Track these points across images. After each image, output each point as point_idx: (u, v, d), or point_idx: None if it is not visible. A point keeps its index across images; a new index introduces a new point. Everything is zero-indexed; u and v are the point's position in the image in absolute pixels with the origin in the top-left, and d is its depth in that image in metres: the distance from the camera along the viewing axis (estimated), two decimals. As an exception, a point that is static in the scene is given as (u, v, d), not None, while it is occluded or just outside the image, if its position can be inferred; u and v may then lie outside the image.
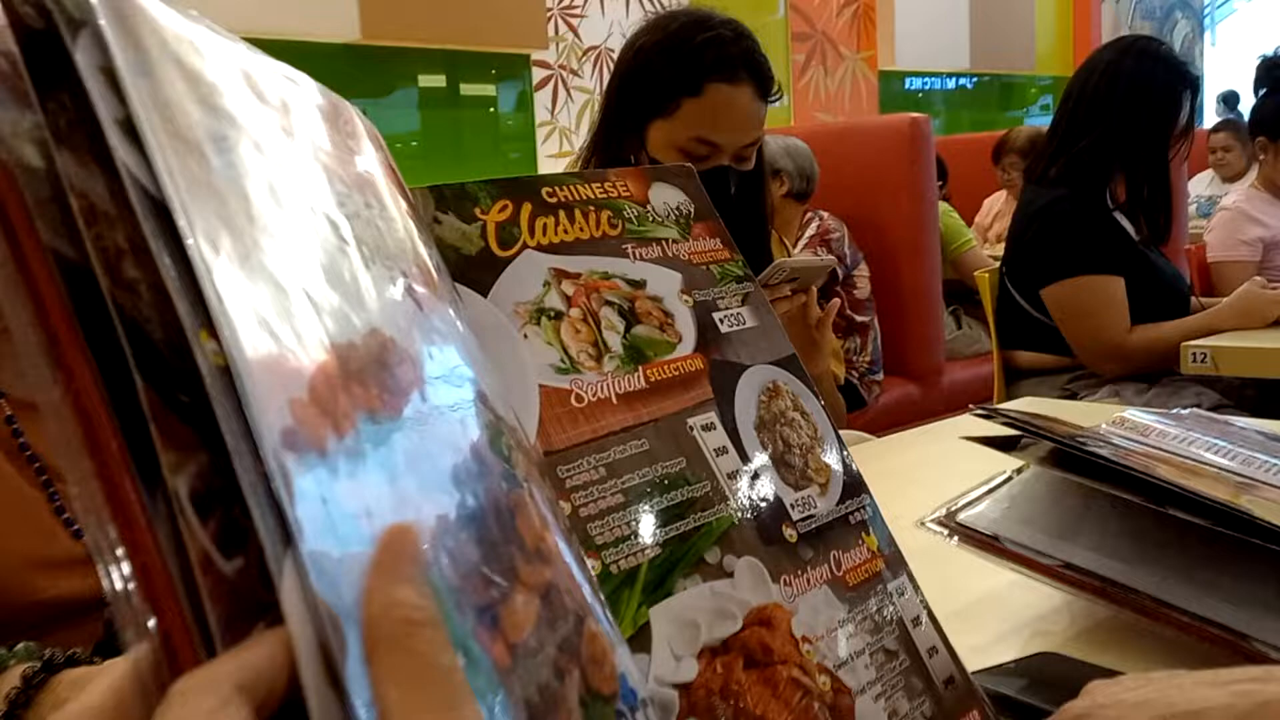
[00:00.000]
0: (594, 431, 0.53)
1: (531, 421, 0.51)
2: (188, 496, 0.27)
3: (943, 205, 3.94)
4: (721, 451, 0.57)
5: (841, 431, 1.49)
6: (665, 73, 1.44)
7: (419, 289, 0.41)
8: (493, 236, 0.56)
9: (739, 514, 0.55)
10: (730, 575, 0.53)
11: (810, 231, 3.11)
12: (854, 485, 0.63)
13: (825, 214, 3.15)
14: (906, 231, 3.45)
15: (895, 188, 3.46)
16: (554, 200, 0.60)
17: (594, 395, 0.54)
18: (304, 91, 0.40)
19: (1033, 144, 4.67)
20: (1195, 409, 1.08)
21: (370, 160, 0.44)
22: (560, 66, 4.48)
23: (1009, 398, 2.25)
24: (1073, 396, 2.13)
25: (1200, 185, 5.52)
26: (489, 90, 4.34)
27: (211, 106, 0.33)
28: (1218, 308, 2.07)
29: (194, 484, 0.27)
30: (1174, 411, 1.07)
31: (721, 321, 0.63)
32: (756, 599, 0.53)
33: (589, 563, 0.48)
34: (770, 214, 1.60)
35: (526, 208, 0.59)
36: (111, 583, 0.27)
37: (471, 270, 0.54)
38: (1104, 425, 0.96)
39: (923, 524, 0.80)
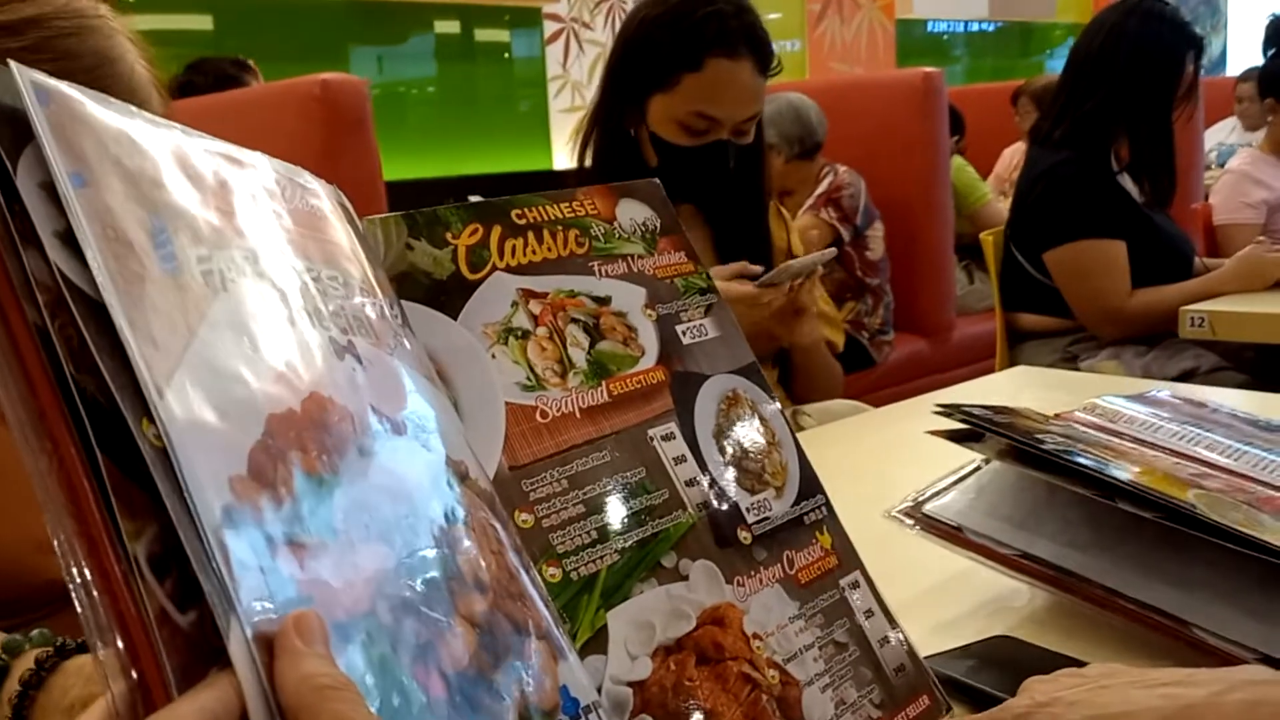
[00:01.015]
0: (557, 445, 0.57)
1: (497, 439, 0.55)
2: (146, 560, 0.31)
3: (957, 160, 3.93)
4: (680, 460, 0.61)
5: (839, 401, 1.53)
6: (666, 47, 1.46)
7: (365, 343, 0.45)
8: (463, 260, 0.60)
9: (696, 519, 0.59)
10: (686, 578, 0.57)
11: (820, 189, 3.10)
12: (809, 486, 0.67)
13: (841, 168, 3.12)
14: (918, 187, 3.45)
15: (907, 143, 3.46)
16: (523, 222, 0.64)
17: (558, 410, 0.58)
18: (247, 169, 0.44)
19: (1047, 89, 4.63)
20: (1167, 393, 1.11)
21: (322, 222, 0.48)
22: (572, 19, 4.47)
23: (1011, 360, 2.28)
24: (1073, 359, 2.15)
25: (1222, 133, 5.46)
26: (503, 36, 4.34)
27: (150, 202, 0.37)
28: (1219, 271, 2.09)
29: (152, 547, 0.31)
30: (1150, 394, 1.10)
31: (684, 334, 0.67)
32: (710, 599, 0.57)
33: (550, 570, 0.53)
34: (769, 186, 1.62)
35: (496, 230, 0.62)
36: (91, 628, 0.31)
37: (443, 294, 0.58)
38: (1078, 411, 0.99)
39: (890, 515, 0.83)
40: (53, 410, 0.31)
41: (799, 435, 0.69)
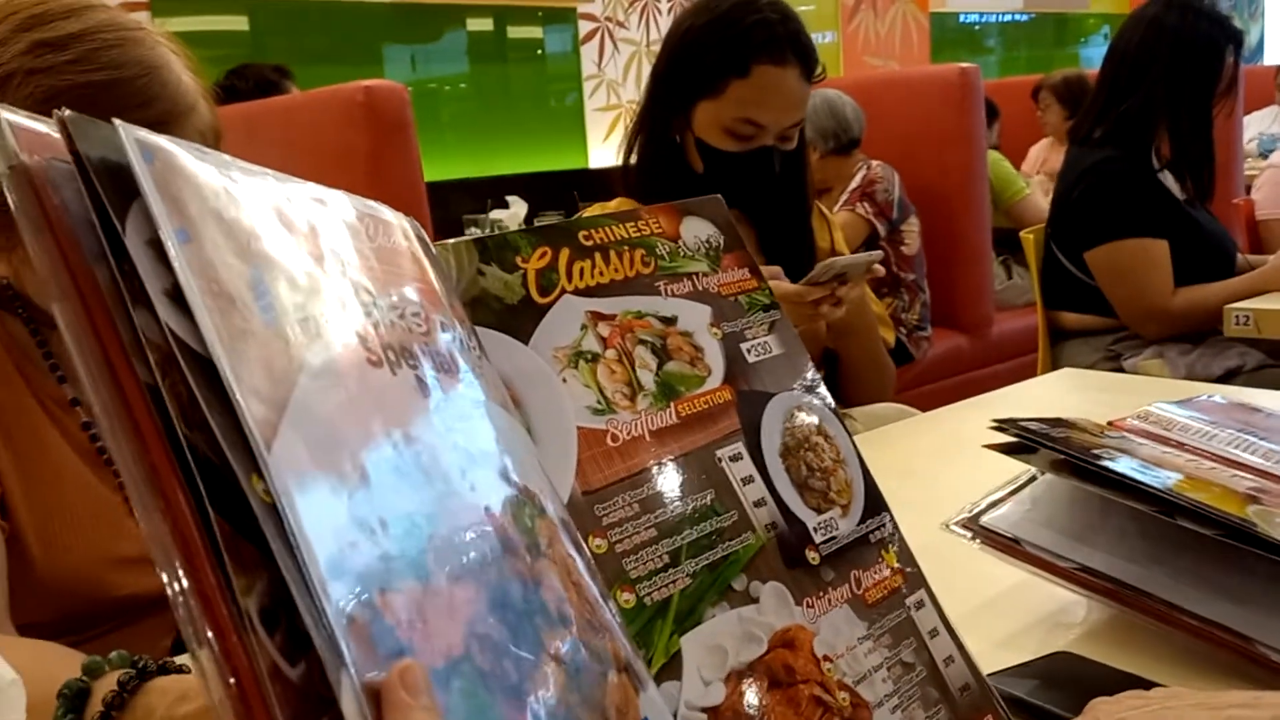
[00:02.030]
0: (628, 469, 0.58)
1: (570, 464, 0.56)
2: (257, 614, 0.32)
3: (993, 155, 3.90)
4: (748, 480, 0.62)
5: (886, 405, 1.53)
6: (713, 54, 1.46)
7: (447, 378, 0.46)
8: (533, 284, 0.61)
9: (764, 540, 0.60)
10: (756, 601, 0.57)
11: (853, 184, 3.09)
12: (874, 503, 0.67)
13: (874, 163, 3.11)
14: (956, 183, 3.44)
15: (944, 139, 3.44)
16: (590, 243, 0.64)
17: (628, 434, 0.59)
18: (332, 210, 0.45)
19: (1067, 82, 4.60)
20: (1218, 398, 1.10)
21: (402, 257, 0.49)
22: (606, 18, 4.47)
23: (1053, 358, 2.26)
24: (1117, 357, 2.14)
25: (1263, 121, 5.40)
26: (535, 33, 4.35)
27: (249, 253, 0.37)
28: (1264, 268, 2.06)
29: (262, 601, 0.32)
30: (1201, 399, 1.10)
31: (749, 352, 0.67)
32: (780, 622, 0.58)
33: (624, 596, 0.53)
34: (811, 190, 1.62)
35: (565, 253, 0.63)
36: (207, 681, 0.32)
37: (514, 319, 0.59)
38: (1131, 419, 0.99)
39: (948, 526, 0.84)
40: (165, 469, 0.32)
41: None
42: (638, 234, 0.67)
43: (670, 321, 0.65)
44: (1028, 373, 3.63)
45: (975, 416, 1.34)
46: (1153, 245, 2.05)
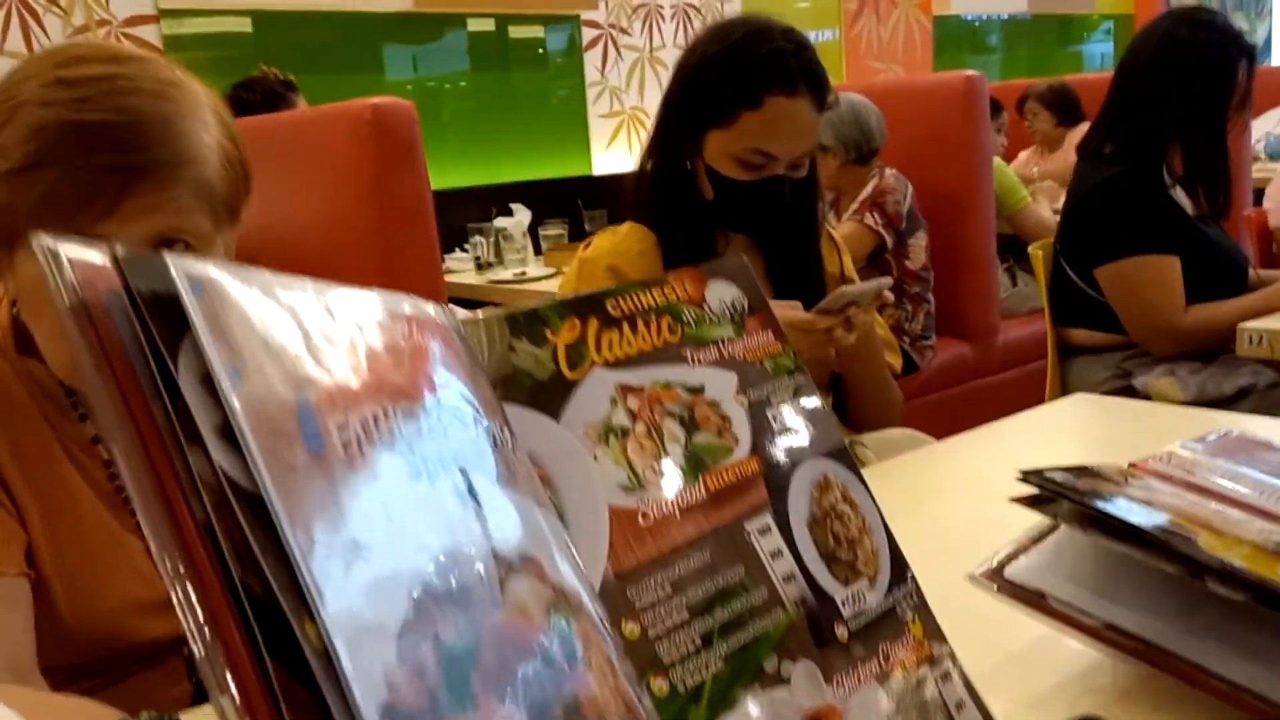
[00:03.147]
0: (659, 549, 0.57)
1: (602, 546, 0.56)
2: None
3: (997, 162, 3.90)
4: (777, 555, 0.61)
5: (897, 431, 1.54)
6: (725, 84, 1.46)
7: (484, 479, 0.46)
8: (563, 358, 0.60)
9: (794, 617, 0.59)
10: (787, 681, 0.57)
11: (864, 194, 3.08)
12: (900, 570, 0.67)
13: (889, 172, 3.09)
14: (960, 190, 3.43)
15: (949, 146, 3.44)
16: (618, 313, 0.64)
17: (659, 512, 0.59)
18: (368, 313, 0.45)
19: (1053, 90, 4.61)
20: (1235, 431, 1.10)
21: (438, 353, 0.49)
22: (610, 25, 4.46)
23: (1063, 375, 2.26)
24: (1127, 375, 2.13)
25: (1270, 123, 5.38)
26: (538, 39, 4.34)
27: (295, 379, 0.37)
28: (1276, 285, 2.06)
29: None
30: (1223, 434, 1.09)
31: (775, 418, 0.67)
32: (811, 702, 0.58)
33: (658, 683, 0.53)
34: (821, 216, 1.62)
35: (593, 324, 0.63)
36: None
37: (545, 395, 0.59)
38: (1153, 461, 0.99)
39: (971, 578, 0.83)
40: (224, 615, 0.32)
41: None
42: (664, 300, 0.67)
43: (698, 391, 0.65)
44: (1032, 381, 3.64)
45: (988, 447, 1.34)
46: (1164, 262, 2.05)
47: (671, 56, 4.69)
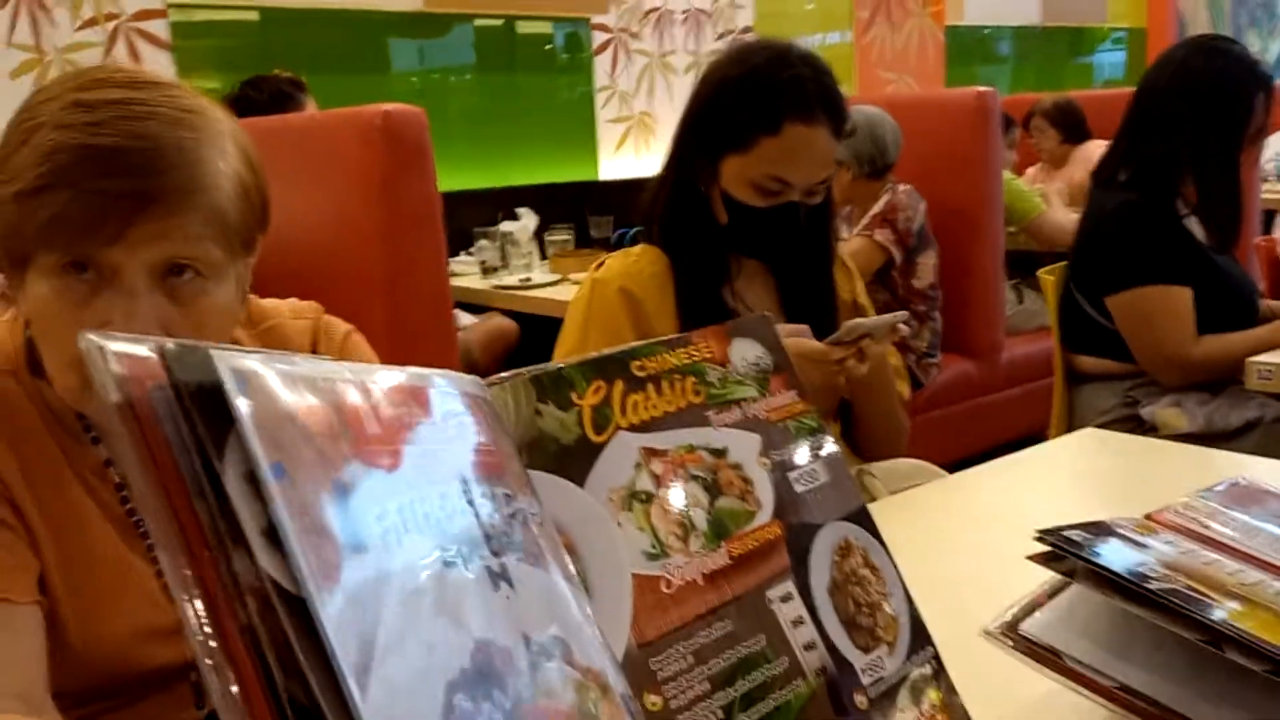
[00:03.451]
0: (682, 618, 0.57)
1: (625, 615, 0.56)
2: None
3: (1007, 174, 3.89)
4: (798, 623, 0.61)
5: (905, 461, 1.53)
6: (744, 110, 1.45)
7: (514, 559, 0.46)
8: (588, 422, 0.60)
9: (814, 687, 0.59)
10: (806, 753, 0.57)
11: (876, 209, 3.06)
12: (919, 637, 0.67)
13: (901, 188, 3.07)
14: (969, 207, 3.43)
15: (959, 162, 3.43)
16: (643, 374, 0.64)
17: (682, 579, 0.58)
18: (402, 396, 0.45)
19: (1058, 107, 4.61)
20: (1243, 479, 1.10)
21: (469, 431, 0.49)
22: (620, 29, 4.46)
23: (1070, 401, 2.26)
24: (1134, 404, 2.13)
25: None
26: (548, 43, 4.33)
27: (334, 466, 0.37)
28: (1286, 318, 2.06)
29: None
30: (1237, 483, 1.09)
31: (797, 481, 0.67)
32: (830, 773, 0.58)
33: (679, 756, 0.53)
34: (834, 242, 1.62)
35: (619, 386, 0.62)
36: None
37: (571, 460, 0.59)
38: (1169, 513, 0.99)
39: (986, 633, 0.83)
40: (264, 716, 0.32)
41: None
42: (689, 360, 0.67)
43: (721, 454, 0.65)
44: (1036, 400, 3.64)
45: (996, 483, 1.34)
46: (1175, 293, 2.04)
47: (682, 62, 4.69)
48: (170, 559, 0.34)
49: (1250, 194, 2.76)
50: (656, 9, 4.57)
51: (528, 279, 3.39)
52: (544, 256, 3.72)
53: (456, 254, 3.74)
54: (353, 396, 0.41)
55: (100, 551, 0.95)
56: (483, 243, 3.61)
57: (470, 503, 0.45)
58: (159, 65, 3.43)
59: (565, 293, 3.18)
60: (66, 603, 0.92)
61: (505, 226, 3.66)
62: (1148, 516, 0.99)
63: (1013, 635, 0.83)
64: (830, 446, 0.70)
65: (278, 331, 1.05)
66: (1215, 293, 2.08)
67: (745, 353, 0.70)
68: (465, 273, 3.65)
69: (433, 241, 2.28)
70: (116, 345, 0.36)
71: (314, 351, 1.06)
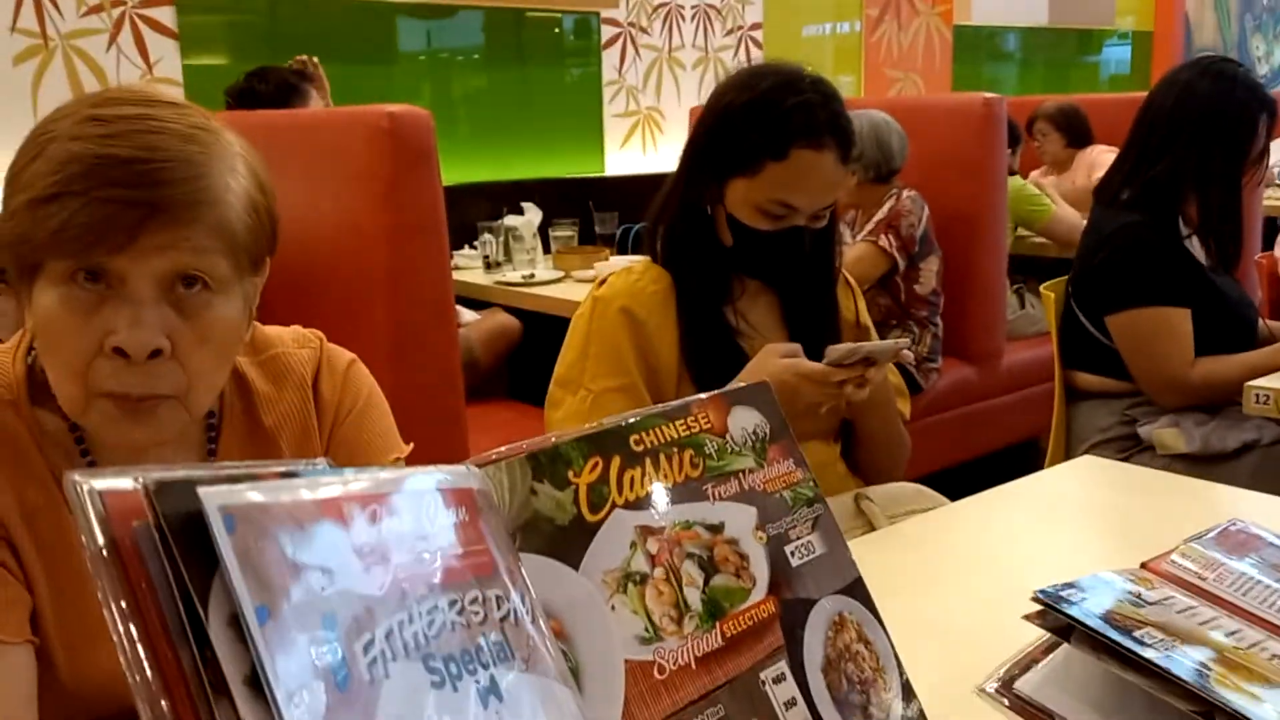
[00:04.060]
0: (674, 704, 0.57)
1: (616, 705, 0.56)
2: None
3: (1016, 181, 3.88)
4: (790, 704, 0.61)
5: (904, 486, 1.53)
6: (752, 134, 1.44)
7: (503, 670, 0.46)
8: (584, 501, 0.60)
9: (805, 771, 0.59)
10: (795, 841, 0.57)
11: (880, 215, 3.05)
12: (909, 698, 0.67)
13: (905, 193, 3.06)
14: (973, 213, 3.41)
15: (964, 167, 3.42)
16: (641, 448, 0.64)
17: (675, 663, 0.58)
18: (393, 506, 0.44)
19: (1062, 111, 4.59)
20: (1240, 524, 1.10)
21: (459, 533, 0.48)
22: (630, 24, 4.44)
23: (1068, 419, 2.26)
24: (1132, 423, 2.13)
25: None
26: (556, 37, 4.31)
27: (322, 603, 0.37)
28: (1285, 342, 2.06)
29: None
30: (1234, 528, 1.09)
31: (793, 554, 0.67)
32: None
33: None
34: (838, 262, 1.61)
35: (616, 462, 0.62)
36: None
37: (565, 541, 0.58)
38: (1165, 562, 0.99)
39: (982, 691, 0.83)
40: None
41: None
42: (687, 432, 0.66)
43: (717, 529, 0.64)
44: (1035, 405, 3.64)
45: (995, 514, 1.33)
46: (1175, 315, 2.04)
47: (691, 57, 4.67)
48: (150, 710, 0.34)
49: (1253, 217, 2.75)
50: (666, 4, 4.55)
51: (531, 275, 3.38)
52: (547, 251, 3.71)
53: (460, 247, 3.73)
54: (342, 516, 0.41)
55: (92, 584, 0.95)
56: (486, 237, 3.59)
57: (460, 612, 0.45)
58: (164, 52, 3.41)
59: (568, 290, 3.17)
60: (57, 638, 0.92)
61: (509, 221, 3.64)
62: (1144, 565, 0.99)
63: (1008, 694, 0.83)
64: (827, 517, 0.70)
65: (280, 361, 1.05)
66: (1215, 314, 2.08)
67: (744, 421, 0.70)
68: (468, 266, 3.64)
69: (436, 244, 2.27)
70: (100, 482, 0.35)
71: (316, 381, 1.06)
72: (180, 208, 0.84)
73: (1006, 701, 0.83)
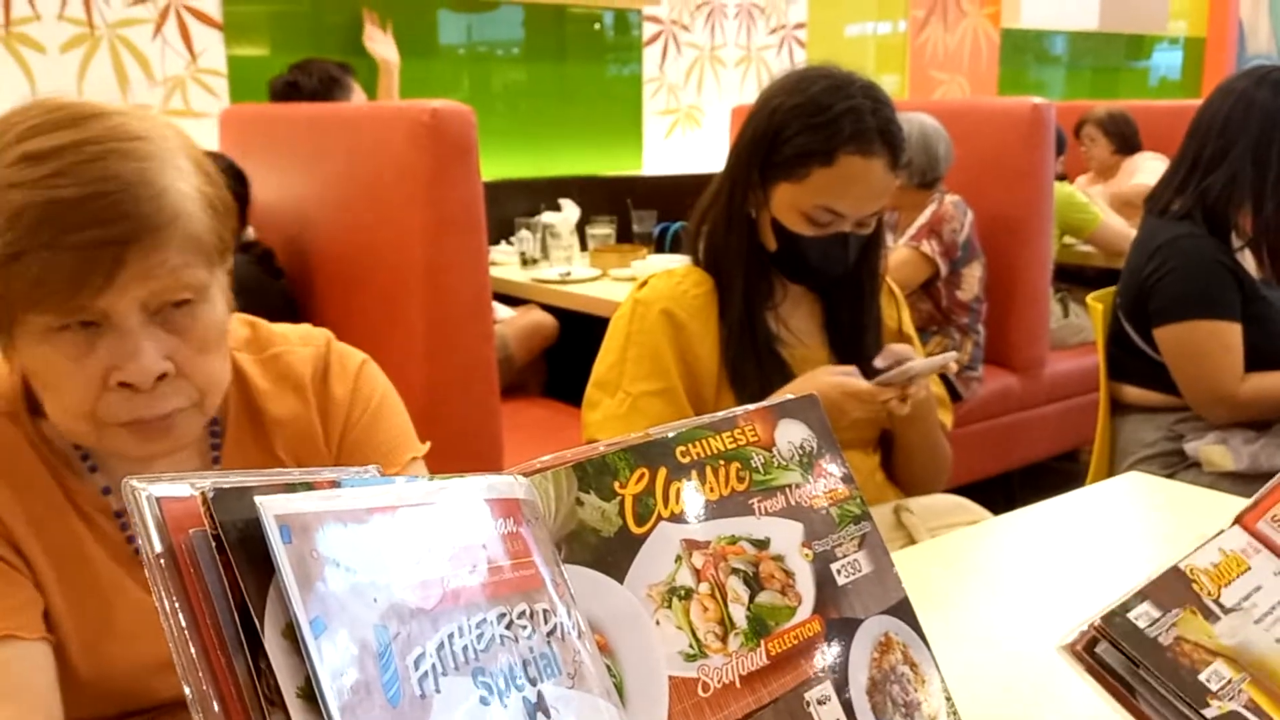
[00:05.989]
0: (717, 723, 0.56)
1: (661, 719, 0.54)
2: None
3: (1064, 188, 3.83)
4: (835, 727, 0.60)
5: (943, 498, 1.51)
6: (800, 138, 1.43)
7: (551, 684, 0.45)
8: (629, 512, 0.59)
9: (849, 796, 0.58)
10: None
11: (922, 219, 3.02)
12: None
13: (949, 198, 3.03)
14: (1019, 219, 3.38)
15: (1010, 173, 3.38)
16: (687, 460, 0.63)
17: (719, 681, 0.57)
18: (449, 515, 0.44)
19: (1111, 117, 4.54)
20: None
21: (507, 544, 0.48)
22: (672, 22, 4.43)
23: (1114, 431, 2.22)
24: (1178, 439, 2.09)
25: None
26: (597, 34, 4.30)
27: (375, 611, 0.36)
28: (1339, 359, 2.01)
29: None
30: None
31: (839, 573, 0.65)
32: None
33: None
34: (883, 270, 1.60)
35: (662, 473, 0.61)
36: None
37: (610, 553, 0.57)
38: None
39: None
40: None
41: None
42: (734, 444, 0.65)
43: (763, 545, 0.63)
44: (1078, 416, 3.60)
45: (1037, 532, 1.31)
46: (1226, 329, 2.00)
47: (732, 55, 4.64)
48: (205, 718, 0.33)
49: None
50: (708, 2, 4.53)
51: (567, 273, 3.37)
52: (584, 249, 3.70)
53: (497, 243, 3.73)
54: (393, 526, 0.40)
55: (104, 584, 0.95)
56: (523, 233, 3.59)
57: (509, 625, 0.44)
58: (209, 43, 3.44)
59: (605, 290, 3.17)
60: (72, 636, 0.93)
61: (547, 218, 3.64)
62: (1239, 519, 0.91)
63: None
64: (874, 535, 0.69)
65: (282, 360, 1.04)
66: (1266, 328, 2.04)
67: (791, 435, 0.68)
68: (504, 262, 3.64)
69: (474, 240, 2.27)
70: (158, 489, 0.35)
71: (322, 381, 1.05)
72: (148, 234, 0.82)
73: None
